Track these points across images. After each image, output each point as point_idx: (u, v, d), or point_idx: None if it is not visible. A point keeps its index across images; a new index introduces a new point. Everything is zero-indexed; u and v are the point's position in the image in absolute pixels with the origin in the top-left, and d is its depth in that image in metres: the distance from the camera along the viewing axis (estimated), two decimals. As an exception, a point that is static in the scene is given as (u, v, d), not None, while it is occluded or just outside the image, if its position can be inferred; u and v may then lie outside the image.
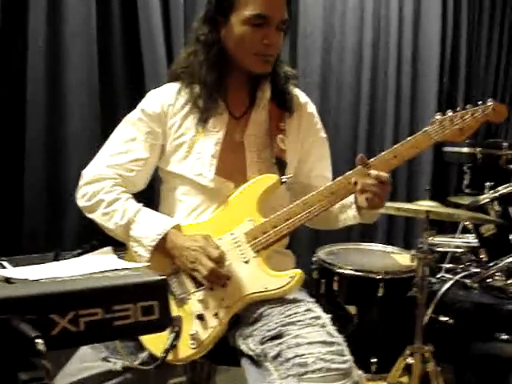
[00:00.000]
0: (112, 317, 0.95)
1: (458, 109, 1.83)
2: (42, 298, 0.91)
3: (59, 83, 2.90)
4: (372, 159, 1.81)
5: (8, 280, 1.02)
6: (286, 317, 1.70)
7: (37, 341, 0.82)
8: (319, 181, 1.97)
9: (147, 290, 0.99)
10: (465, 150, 3.73)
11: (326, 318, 1.72)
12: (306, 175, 2.04)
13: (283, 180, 1.88)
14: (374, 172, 1.75)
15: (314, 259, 3.00)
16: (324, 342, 1.61)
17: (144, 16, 3.06)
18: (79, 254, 2.44)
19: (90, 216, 1.89)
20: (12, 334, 0.86)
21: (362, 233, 4.03)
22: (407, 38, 4.13)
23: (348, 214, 1.93)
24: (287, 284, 1.74)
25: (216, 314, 1.75)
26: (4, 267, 1.17)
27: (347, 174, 1.81)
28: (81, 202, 1.91)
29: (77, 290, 0.94)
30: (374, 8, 3.98)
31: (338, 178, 1.81)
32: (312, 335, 1.63)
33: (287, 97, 1.97)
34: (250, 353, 1.69)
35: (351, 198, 1.86)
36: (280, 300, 1.76)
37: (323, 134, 2.09)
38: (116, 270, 1.08)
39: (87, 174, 1.92)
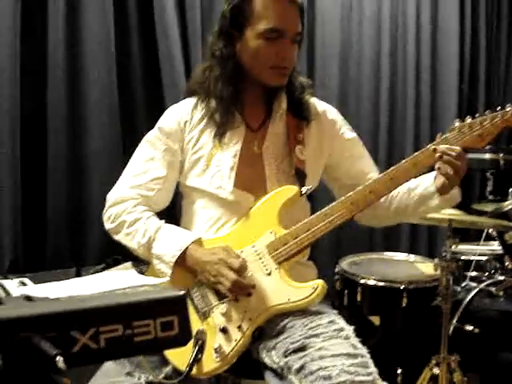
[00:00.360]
0: (132, 333, 0.95)
1: (476, 115, 1.82)
2: (63, 316, 0.92)
3: (79, 102, 2.94)
4: (392, 168, 1.80)
5: (29, 298, 1.02)
6: (309, 329, 1.69)
7: (57, 358, 0.82)
8: (362, 178, 1.94)
9: (166, 306, 0.99)
10: (487, 156, 3.69)
11: (349, 329, 1.71)
12: (348, 176, 2.02)
13: (303, 191, 1.87)
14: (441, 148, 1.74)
15: (336, 270, 2.98)
16: (348, 354, 1.60)
17: (162, 32, 3.09)
18: (103, 269, 2.47)
19: (115, 238, 1.93)
20: (33, 352, 0.86)
21: (386, 242, 4.01)
22: (425, 45, 4.10)
23: (430, 204, 1.89)
24: (310, 295, 1.73)
25: (239, 327, 1.75)
26: (25, 284, 1.17)
27: (367, 183, 1.80)
28: (107, 224, 1.95)
29: (97, 306, 0.95)
30: (390, 16, 3.97)
31: (358, 188, 1.80)
32: (336, 347, 1.62)
33: (303, 106, 1.97)
34: (274, 366, 1.68)
35: (432, 188, 1.85)
36: (303, 312, 1.75)
37: (351, 135, 2.06)
38: (135, 285, 1.08)
39: (111, 197, 1.96)
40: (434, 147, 1.75)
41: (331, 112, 2.06)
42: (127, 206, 1.90)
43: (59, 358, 0.82)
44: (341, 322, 1.74)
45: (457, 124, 1.82)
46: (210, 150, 1.91)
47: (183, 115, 1.96)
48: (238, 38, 1.85)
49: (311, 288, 1.73)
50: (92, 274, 2.34)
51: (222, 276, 1.72)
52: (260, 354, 1.74)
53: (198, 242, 1.83)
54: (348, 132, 2.06)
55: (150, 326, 0.96)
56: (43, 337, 0.87)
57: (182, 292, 1.00)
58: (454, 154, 1.72)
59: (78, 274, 2.32)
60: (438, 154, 1.73)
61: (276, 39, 1.80)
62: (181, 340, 1.01)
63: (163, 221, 1.90)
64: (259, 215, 1.86)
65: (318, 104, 2.05)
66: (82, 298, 1.02)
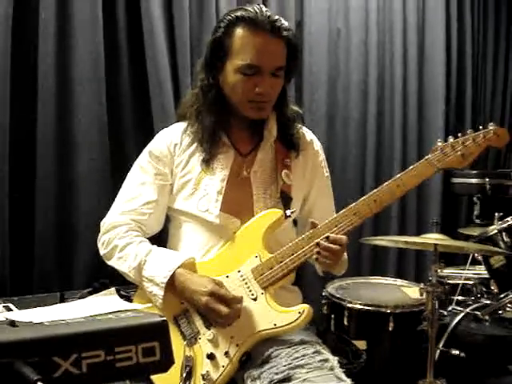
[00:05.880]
0: (114, 358, 0.96)
1: (459, 135, 1.84)
2: (45, 341, 0.93)
3: (69, 124, 2.94)
4: (374, 190, 1.82)
5: (12, 323, 1.03)
6: (294, 359, 1.70)
7: (38, 384, 0.83)
8: (320, 216, 1.97)
9: (148, 332, 1.00)
10: (474, 180, 3.72)
11: (333, 360, 1.72)
12: (308, 209, 2.06)
13: (288, 214, 1.89)
14: (332, 236, 1.76)
15: (323, 294, 2.99)
16: None
17: (151, 57, 3.10)
18: (89, 293, 2.47)
19: (109, 263, 1.95)
20: (15, 377, 0.87)
21: (373, 266, 4.01)
22: (412, 71, 4.14)
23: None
24: (296, 320, 1.74)
25: (226, 353, 1.75)
26: (10, 309, 1.18)
27: (350, 206, 1.82)
28: (101, 250, 1.98)
29: (79, 332, 0.96)
30: (378, 42, 4.00)
31: (343, 211, 1.83)
32: (320, 379, 1.63)
33: (293, 137, 2.00)
34: (259, 396, 1.69)
35: None
36: (288, 341, 1.76)
37: (326, 172, 2.11)
38: (118, 311, 1.09)
39: (105, 223, 1.99)
40: (316, 241, 1.77)
41: (317, 144, 2.11)
42: (119, 231, 1.93)
43: (40, 384, 0.83)
44: (325, 353, 1.75)
45: (439, 144, 1.84)
46: (199, 174, 1.93)
47: (173, 139, 1.99)
48: (220, 69, 1.88)
49: (297, 313, 1.75)
50: (78, 298, 2.34)
51: (213, 311, 1.73)
52: (245, 383, 1.74)
53: (189, 264, 1.85)
54: (325, 169, 2.11)
55: (132, 351, 0.97)
56: (25, 362, 0.88)
57: (163, 318, 1.01)
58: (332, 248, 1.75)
59: (63, 299, 2.31)
60: (316, 250, 1.77)
61: (253, 74, 1.82)
62: (163, 365, 1.02)
63: (155, 246, 1.92)
64: (245, 239, 1.88)
65: (306, 134, 2.08)
66: (65, 323, 1.02)
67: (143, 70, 3.13)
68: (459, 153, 1.81)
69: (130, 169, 2.06)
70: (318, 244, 1.76)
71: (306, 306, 1.76)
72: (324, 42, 3.86)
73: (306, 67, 3.78)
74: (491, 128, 1.81)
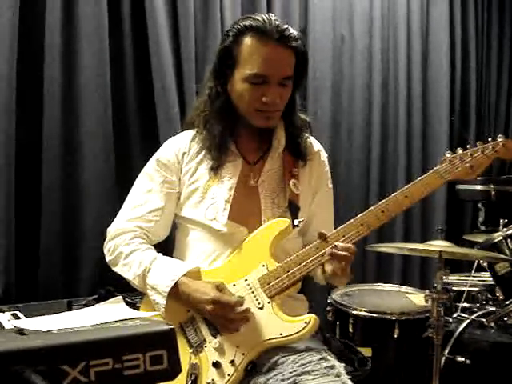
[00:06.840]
0: (122, 367, 0.96)
1: (468, 146, 1.84)
2: (53, 349, 0.93)
3: (74, 131, 2.94)
4: (382, 201, 1.82)
5: (21, 331, 1.04)
6: (300, 366, 1.69)
7: (47, 392, 0.84)
8: (318, 227, 1.97)
9: (156, 340, 1.00)
10: (478, 187, 3.72)
11: (340, 366, 1.72)
12: (307, 220, 2.05)
13: (295, 224, 1.89)
14: (341, 244, 1.76)
15: (328, 301, 2.99)
16: None
17: (157, 67, 3.11)
18: (95, 300, 2.48)
19: (114, 270, 1.96)
20: (24, 386, 0.87)
21: (378, 273, 4.01)
22: (416, 77, 4.14)
23: (317, 272, 1.93)
24: (302, 329, 1.73)
25: (232, 362, 1.75)
26: (18, 317, 1.19)
27: (358, 216, 1.82)
28: (106, 257, 1.98)
29: (87, 340, 0.96)
30: (381, 49, 4.01)
31: (350, 221, 1.82)
32: None
33: (301, 147, 2.00)
34: (265, 403, 1.68)
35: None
36: (294, 348, 1.76)
37: (330, 184, 2.11)
38: (125, 319, 1.10)
39: (111, 230, 1.99)
40: (327, 251, 1.77)
41: (324, 155, 2.11)
42: (125, 238, 1.93)
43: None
44: (332, 359, 1.75)
45: (448, 155, 1.84)
46: (207, 182, 1.93)
47: (181, 147, 1.99)
48: (228, 77, 1.88)
49: (303, 322, 1.74)
50: (84, 305, 2.34)
51: (219, 317, 1.74)
52: (251, 390, 1.75)
53: (194, 273, 1.85)
54: (329, 181, 2.11)
55: (140, 359, 0.98)
56: (34, 370, 0.88)
57: (170, 326, 1.02)
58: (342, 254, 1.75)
59: (70, 306, 2.31)
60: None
61: (261, 84, 1.82)
62: (170, 374, 1.02)
63: (160, 253, 1.92)
64: (252, 248, 1.88)
65: (314, 143, 2.08)
66: (73, 331, 1.03)
67: (148, 77, 3.13)
68: (468, 164, 1.81)
69: (135, 176, 2.06)
70: (330, 254, 1.76)
71: (312, 316, 1.76)
72: (328, 49, 3.86)
73: (310, 73, 3.78)
74: (500, 140, 1.81)
